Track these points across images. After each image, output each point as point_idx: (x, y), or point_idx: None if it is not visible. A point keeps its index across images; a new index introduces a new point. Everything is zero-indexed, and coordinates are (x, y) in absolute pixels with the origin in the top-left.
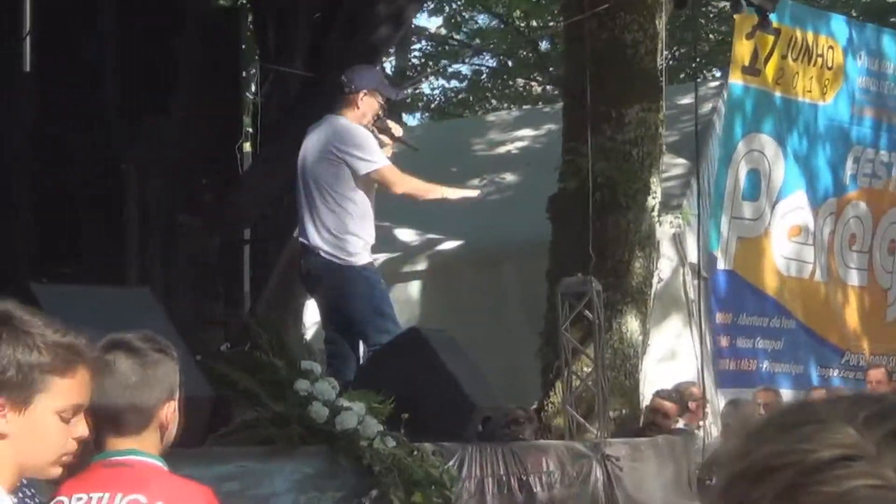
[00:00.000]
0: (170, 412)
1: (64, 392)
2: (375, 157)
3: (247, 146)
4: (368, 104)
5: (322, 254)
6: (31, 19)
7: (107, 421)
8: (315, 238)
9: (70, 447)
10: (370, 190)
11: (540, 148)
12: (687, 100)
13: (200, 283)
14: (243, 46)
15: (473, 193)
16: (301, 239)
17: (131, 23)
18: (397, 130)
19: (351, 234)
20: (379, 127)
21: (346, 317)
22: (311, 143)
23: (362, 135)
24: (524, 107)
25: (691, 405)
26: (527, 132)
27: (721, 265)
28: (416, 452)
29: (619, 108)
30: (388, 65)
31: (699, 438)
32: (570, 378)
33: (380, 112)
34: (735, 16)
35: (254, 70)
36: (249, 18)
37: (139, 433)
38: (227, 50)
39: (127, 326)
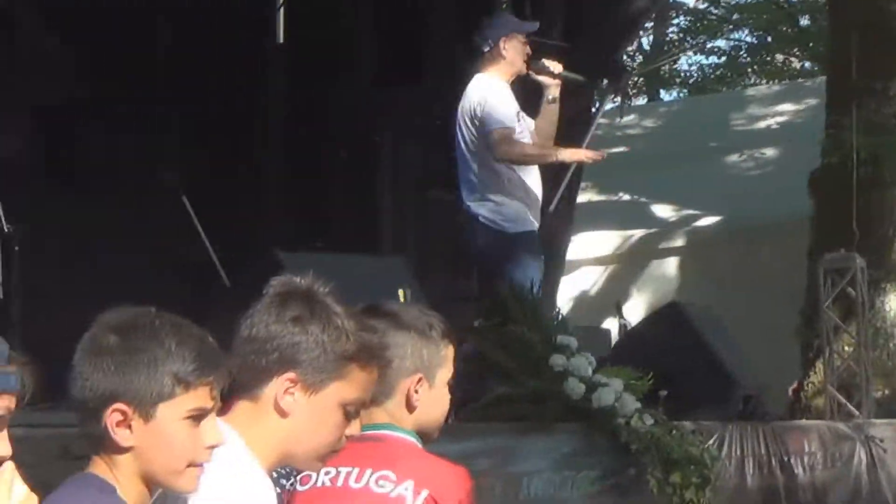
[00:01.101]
0: (415, 387)
1: (357, 384)
2: (496, 116)
3: None
4: (513, 49)
5: (481, 219)
6: None
7: None
8: (473, 205)
9: (340, 445)
10: None
11: (801, 122)
12: None
13: (454, 258)
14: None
15: (594, 155)
16: (462, 206)
17: None
18: (556, 67)
19: (504, 197)
20: (535, 69)
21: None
22: (461, 106)
23: (491, 93)
24: (784, 82)
25: None
26: (787, 107)
27: None
28: (674, 431)
29: (885, 80)
30: (646, 39)
31: None
32: (831, 357)
33: (528, 53)
34: None
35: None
36: None
37: (382, 404)
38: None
39: (377, 295)
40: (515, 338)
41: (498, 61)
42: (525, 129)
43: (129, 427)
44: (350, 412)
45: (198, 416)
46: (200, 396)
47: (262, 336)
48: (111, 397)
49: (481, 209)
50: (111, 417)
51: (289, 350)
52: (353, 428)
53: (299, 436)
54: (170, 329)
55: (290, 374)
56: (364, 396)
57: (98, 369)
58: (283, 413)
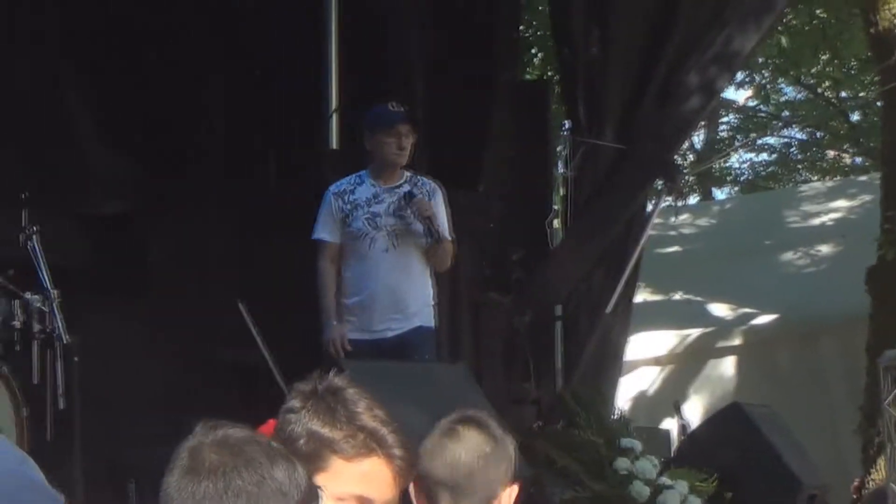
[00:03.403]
0: (510, 494)
1: (345, 477)
2: (316, 224)
3: (556, 222)
4: (375, 145)
5: None
6: (337, 96)
7: (448, 492)
8: None
9: None
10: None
11: (855, 219)
12: None
13: (511, 361)
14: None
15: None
16: None
17: (440, 97)
18: (425, 209)
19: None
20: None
21: None
22: None
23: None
24: (836, 178)
25: None
26: (841, 203)
27: None
28: None
29: None
30: (697, 138)
31: None
32: (893, 453)
33: (396, 147)
34: None
35: (562, 144)
36: (557, 91)
37: None
38: (536, 123)
39: (443, 403)
40: (580, 441)
41: (371, 158)
42: (369, 234)
43: None
44: None
45: None
46: None
47: None
48: None
49: None
50: None
51: (286, 442)
52: None
53: None
54: (277, 452)
55: None
56: (361, 492)
57: (228, 490)
58: None
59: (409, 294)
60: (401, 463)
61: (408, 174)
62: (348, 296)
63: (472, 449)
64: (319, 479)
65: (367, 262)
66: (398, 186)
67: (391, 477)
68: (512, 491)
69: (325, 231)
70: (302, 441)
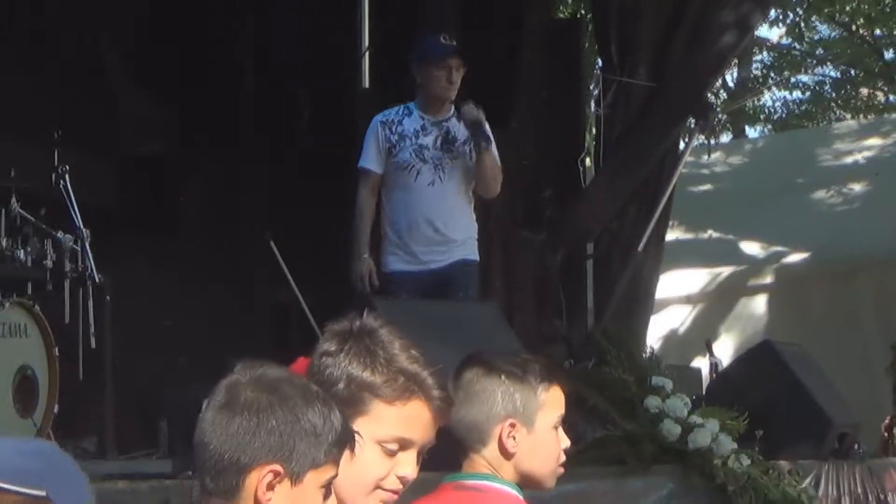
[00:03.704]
0: (509, 432)
1: (386, 421)
2: (362, 154)
3: (587, 160)
4: (424, 77)
5: None
6: (369, 36)
7: (454, 437)
8: None
9: (391, 484)
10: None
11: (888, 157)
12: None
13: (542, 299)
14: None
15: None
16: None
17: (471, 36)
18: (471, 113)
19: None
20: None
21: None
22: None
23: (367, 132)
24: (869, 116)
25: None
26: (874, 141)
27: None
28: (771, 471)
29: None
30: (730, 76)
31: None
32: None
33: (450, 80)
34: None
35: (594, 83)
36: (590, 29)
37: (478, 452)
38: (568, 62)
39: (473, 341)
40: (610, 380)
41: (419, 88)
42: (416, 166)
43: (273, 489)
44: (390, 450)
45: (329, 485)
46: (336, 466)
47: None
48: (266, 457)
49: None
50: (265, 478)
51: (324, 385)
52: (405, 467)
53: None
54: (314, 393)
55: None
56: (404, 435)
57: (261, 428)
58: None
59: (451, 227)
60: (440, 404)
61: (454, 109)
62: (390, 227)
63: (459, 388)
64: (360, 423)
65: (411, 194)
66: (446, 120)
67: (431, 418)
68: (507, 427)
69: (371, 160)
70: (341, 385)
